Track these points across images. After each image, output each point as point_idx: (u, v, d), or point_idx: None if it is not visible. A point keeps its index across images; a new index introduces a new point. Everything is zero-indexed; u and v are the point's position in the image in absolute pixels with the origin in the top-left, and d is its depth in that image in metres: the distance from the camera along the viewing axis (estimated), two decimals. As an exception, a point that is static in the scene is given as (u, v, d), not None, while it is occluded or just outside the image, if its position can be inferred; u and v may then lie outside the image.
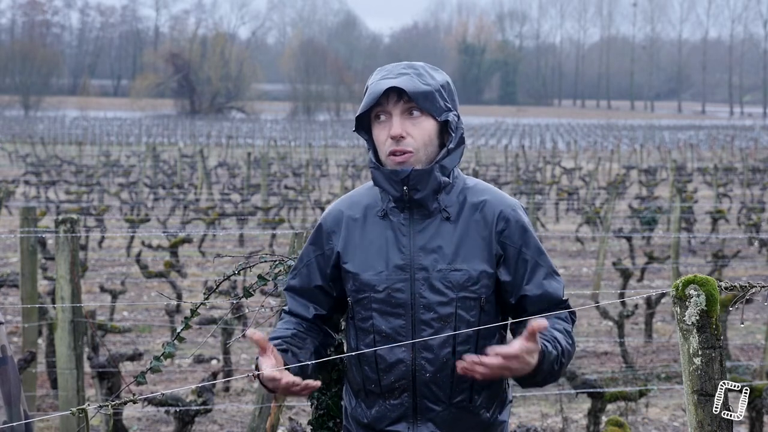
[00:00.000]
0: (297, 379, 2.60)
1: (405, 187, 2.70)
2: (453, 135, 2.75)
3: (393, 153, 2.71)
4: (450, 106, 2.75)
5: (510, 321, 2.79)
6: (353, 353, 2.79)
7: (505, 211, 2.75)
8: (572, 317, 2.79)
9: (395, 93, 2.71)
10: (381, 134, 2.74)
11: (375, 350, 2.74)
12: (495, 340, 2.76)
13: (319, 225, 2.86)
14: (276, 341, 2.76)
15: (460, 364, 2.49)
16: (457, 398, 2.71)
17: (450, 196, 2.76)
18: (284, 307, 2.94)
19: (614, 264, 10.60)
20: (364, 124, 2.81)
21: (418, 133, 2.71)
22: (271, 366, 2.57)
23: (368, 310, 2.74)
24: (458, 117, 2.77)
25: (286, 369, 2.62)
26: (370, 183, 2.84)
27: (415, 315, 2.70)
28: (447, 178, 2.75)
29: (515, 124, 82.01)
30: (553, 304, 2.75)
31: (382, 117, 2.74)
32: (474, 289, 2.70)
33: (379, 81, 2.71)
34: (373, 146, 2.79)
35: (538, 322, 2.45)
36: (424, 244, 2.72)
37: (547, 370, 2.59)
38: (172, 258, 10.67)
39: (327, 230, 2.83)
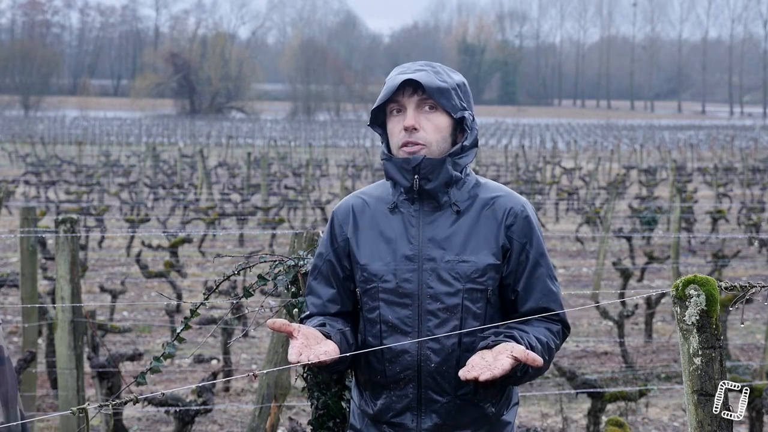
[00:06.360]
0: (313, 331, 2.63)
1: (416, 176, 2.73)
2: (468, 132, 2.78)
3: (405, 144, 2.74)
4: (465, 105, 2.79)
5: (510, 321, 2.79)
6: (362, 351, 2.79)
7: (516, 207, 2.79)
8: (566, 331, 2.82)
9: (411, 87, 2.75)
10: (395, 127, 2.78)
11: (384, 343, 2.75)
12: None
13: (331, 218, 2.90)
14: (311, 322, 2.79)
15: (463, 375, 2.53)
16: (461, 390, 2.73)
17: (461, 192, 2.79)
18: (305, 312, 2.92)
19: (614, 264, 10.60)
20: (379, 120, 2.85)
21: (431, 128, 2.75)
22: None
23: (375, 301, 2.76)
24: (473, 118, 2.80)
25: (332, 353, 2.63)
26: (382, 180, 2.89)
27: (421, 305, 2.72)
28: (459, 174, 2.77)
29: (515, 124, 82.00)
30: (548, 304, 2.77)
31: (398, 111, 2.78)
32: (481, 280, 2.72)
33: (396, 76, 2.76)
34: (386, 141, 2.83)
35: (530, 356, 2.51)
36: (433, 236, 2.75)
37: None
38: (172, 258, 10.68)
39: (338, 222, 2.87)
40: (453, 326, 2.71)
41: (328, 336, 2.66)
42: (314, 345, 2.59)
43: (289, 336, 2.59)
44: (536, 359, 2.49)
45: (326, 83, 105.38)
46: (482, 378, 2.47)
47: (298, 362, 2.52)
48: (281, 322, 2.56)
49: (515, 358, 2.50)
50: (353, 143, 55.78)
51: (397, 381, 2.75)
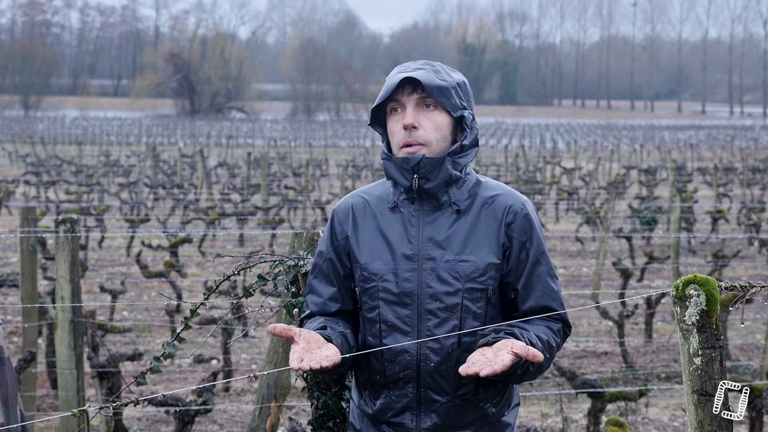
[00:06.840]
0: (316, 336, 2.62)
1: (415, 176, 2.72)
2: (468, 131, 2.78)
3: (405, 145, 2.75)
4: (465, 104, 2.78)
5: (510, 321, 2.79)
6: (362, 352, 2.79)
7: (515, 205, 2.78)
8: (567, 330, 2.81)
9: (410, 86, 2.75)
10: (395, 126, 2.78)
11: (382, 342, 2.75)
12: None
13: (332, 216, 2.89)
14: (312, 324, 2.77)
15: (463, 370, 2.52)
16: (461, 390, 2.73)
17: (461, 191, 2.79)
18: (305, 312, 2.91)
19: (614, 264, 10.60)
20: (379, 119, 2.85)
21: (431, 126, 2.75)
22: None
23: (375, 300, 2.76)
24: (473, 117, 2.79)
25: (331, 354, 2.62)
26: (383, 179, 2.89)
27: (421, 304, 2.72)
28: (459, 173, 2.77)
29: (515, 124, 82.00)
30: (548, 303, 2.77)
31: (397, 109, 2.78)
32: (481, 280, 2.71)
33: (395, 74, 2.76)
34: (387, 140, 2.83)
35: (528, 352, 2.49)
36: (433, 236, 2.75)
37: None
38: (172, 258, 10.67)
39: (339, 220, 2.87)
40: (452, 326, 2.70)
41: (329, 339, 2.66)
42: (315, 349, 2.58)
43: (290, 340, 2.59)
44: (537, 355, 2.48)
45: (326, 83, 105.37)
46: (483, 373, 2.46)
47: (300, 368, 2.52)
48: (282, 327, 2.55)
49: (516, 354, 2.49)
50: (353, 143, 55.77)
51: (396, 380, 2.75)
